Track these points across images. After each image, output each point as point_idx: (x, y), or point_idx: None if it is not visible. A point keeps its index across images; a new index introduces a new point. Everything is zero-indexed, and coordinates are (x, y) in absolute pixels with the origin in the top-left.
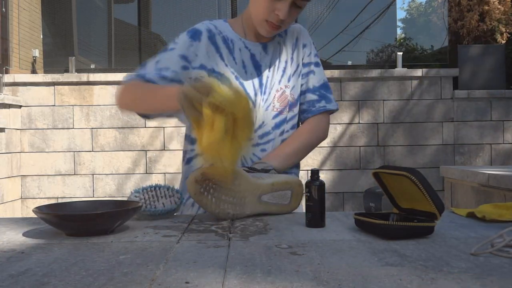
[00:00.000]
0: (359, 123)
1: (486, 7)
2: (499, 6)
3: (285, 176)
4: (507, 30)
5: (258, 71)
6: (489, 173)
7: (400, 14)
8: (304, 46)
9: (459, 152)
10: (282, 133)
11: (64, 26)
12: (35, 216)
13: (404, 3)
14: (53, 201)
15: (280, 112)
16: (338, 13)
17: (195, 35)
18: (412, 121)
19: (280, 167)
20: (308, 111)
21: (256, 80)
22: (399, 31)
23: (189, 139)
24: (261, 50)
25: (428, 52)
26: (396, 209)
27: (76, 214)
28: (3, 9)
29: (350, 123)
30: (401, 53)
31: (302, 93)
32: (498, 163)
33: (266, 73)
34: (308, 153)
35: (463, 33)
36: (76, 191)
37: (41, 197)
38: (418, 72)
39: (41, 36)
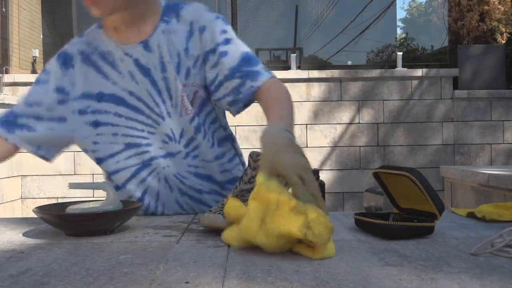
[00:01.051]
0: (359, 123)
1: (486, 7)
2: (499, 6)
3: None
4: (507, 30)
5: (149, 76)
6: (489, 173)
7: (400, 14)
8: (203, 30)
9: (459, 152)
10: (205, 134)
11: (64, 26)
12: (35, 216)
13: (404, 3)
14: (53, 201)
15: (196, 114)
16: (338, 13)
17: (66, 63)
18: (412, 121)
19: (292, 122)
20: (238, 101)
21: (151, 88)
22: (399, 31)
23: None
24: (142, 51)
25: (428, 52)
26: (396, 209)
27: (76, 214)
28: (3, 9)
29: (350, 123)
30: (401, 53)
31: (220, 84)
32: (498, 163)
33: (159, 76)
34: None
35: (463, 33)
36: (76, 191)
37: (41, 197)
38: (418, 72)
39: (41, 36)
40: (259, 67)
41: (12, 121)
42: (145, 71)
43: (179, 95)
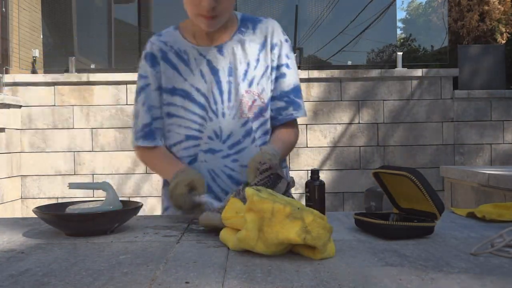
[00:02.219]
0: (359, 123)
1: (486, 7)
2: (499, 6)
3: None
4: (507, 30)
5: (216, 77)
6: (489, 173)
7: (400, 14)
8: (274, 46)
9: (459, 152)
10: (253, 140)
11: (64, 26)
12: (35, 216)
13: (403, 3)
14: (53, 201)
15: (249, 119)
16: (338, 13)
17: (153, 62)
18: (412, 121)
19: (282, 157)
20: (275, 119)
21: (216, 88)
22: (399, 31)
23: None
24: (216, 54)
25: (428, 52)
26: (396, 209)
27: (76, 214)
28: (3, 9)
29: (350, 123)
30: (401, 53)
31: (272, 98)
32: (498, 163)
33: (225, 78)
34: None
35: (463, 33)
36: (76, 191)
37: (41, 197)
38: (418, 72)
39: (41, 36)
40: (301, 101)
41: (148, 131)
42: (214, 72)
43: (238, 99)
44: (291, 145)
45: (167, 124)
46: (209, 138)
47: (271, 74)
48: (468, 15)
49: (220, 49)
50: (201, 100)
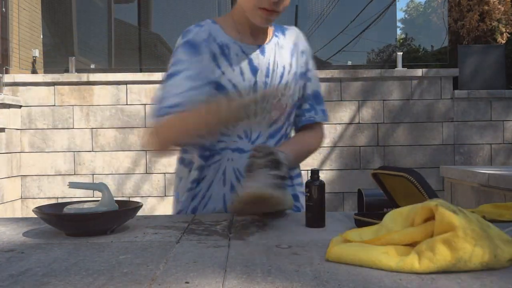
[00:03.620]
0: (359, 123)
1: (486, 7)
2: (499, 6)
3: (290, 204)
4: (507, 30)
5: (255, 76)
6: (489, 173)
7: (400, 14)
8: (303, 53)
9: (459, 152)
10: (277, 142)
11: (64, 26)
12: (35, 216)
13: (403, 4)
14: (53, 201)
15: (276, 121)
16: (338, 13)
17: (194, 50)
18: (412, 121)
19: (293, 163)
20: (298, 121)
21: (252, 87)
22: (399, 31)
23: (185, 163)
24: (258, 53)
25: (428, 52)
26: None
27: (76, 214)
28: (3, 9)
29: (350, 123)
30: (401, 53)
31: (298, 99)
32: (498, 163)
33: (263, 79)
34: (307, 157)
35: (463, 33)
36: (76, 191)
37: (41, 197)
38: (418, 72)
39: (41, 36)
40: (324, 106)
41: (187, 96)
42: (254, 71)
43: (270, 100)
44: (309, 148)
45: None
46: (238, 136)
47: (300, 79)
48: (468, 15)
49: (262, 49)
50: (236, 96)
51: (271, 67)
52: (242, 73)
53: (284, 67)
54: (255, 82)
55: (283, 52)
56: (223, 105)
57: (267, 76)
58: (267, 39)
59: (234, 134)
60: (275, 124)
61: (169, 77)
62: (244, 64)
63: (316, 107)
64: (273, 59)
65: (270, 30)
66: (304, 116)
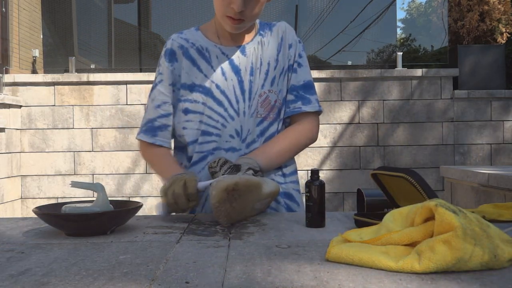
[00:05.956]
0: (359, 122)
1: (486, 7)
2: (499, 6)
3: (275, 185)
4: (507, 30)
5: (238, 76)
6: (489, 173)
7: (400, 14)
8: (290, 46)
9: (459, 152)
10: (268, 139)
11: (64, 26)
12: (35, 216)
13: (403, 3)
14: (53, 201)
15: (264, 118)
16: (338, 13)
17: (172, 58)
18: (412, 121)
19: (265, 168)
20: (284, 113)
21: (237, 86)
22: (399, 31)
23: (182, 150)
24: (238, 54)
25: (428, 52)
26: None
27: (76, 214)
28: (3, 9)
29: (350, 123)
30: (401, 53)
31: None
32: (498, 163)
33: (247, 78)
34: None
35: (463, 33)
36: (76, 191)
37: (41, 197)
38: (418, 72)
39: (41, 36)
40: (313, 97)
41: (150, 126)
42: (236, 71)
43: (256, 98)
44: (290, 143)
45: (183, 120)
46: (230, 136)
47: (287, 73)
48: (468, 15)
49: (243, 50)
50: (221, 97)
51: (254, 66)
52: (223, 73)
53: (269, 64)
54: (240, 81)
55: (268, 50)
56: (169, 187)
57: (251, 74)
58: (250, 39)
59: (226, 134)
60: (265, 121)
61: (152, 88)
62: (225, 65)
63: (305, 97)
64: (255, 57)
65: (254, 30)
66: (289, 107)
